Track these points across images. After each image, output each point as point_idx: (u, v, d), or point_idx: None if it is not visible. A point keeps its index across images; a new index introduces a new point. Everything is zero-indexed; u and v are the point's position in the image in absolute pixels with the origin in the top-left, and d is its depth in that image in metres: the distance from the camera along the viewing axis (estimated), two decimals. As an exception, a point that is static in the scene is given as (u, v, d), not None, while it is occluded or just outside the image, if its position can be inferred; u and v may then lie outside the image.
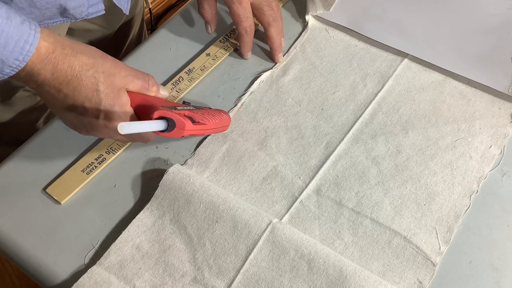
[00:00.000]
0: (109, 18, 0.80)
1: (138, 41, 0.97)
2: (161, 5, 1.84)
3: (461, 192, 0.58)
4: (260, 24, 0.70)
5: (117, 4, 0.77)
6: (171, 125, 0.51)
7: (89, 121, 0.55)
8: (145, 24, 1.00)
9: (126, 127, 0.49)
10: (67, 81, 0.52)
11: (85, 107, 0.54)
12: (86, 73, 0.53)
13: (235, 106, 0.66)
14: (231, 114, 0.65)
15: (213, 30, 0.71)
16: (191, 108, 0.58)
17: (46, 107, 0.86)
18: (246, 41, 0.69)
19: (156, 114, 0.51)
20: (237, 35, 0.71)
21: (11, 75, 0.50)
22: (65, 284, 0.54)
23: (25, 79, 0.52)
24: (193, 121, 0.54)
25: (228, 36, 0.72)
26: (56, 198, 0.58)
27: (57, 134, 0.64)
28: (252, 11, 0.67)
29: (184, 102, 0.61)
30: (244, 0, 0.66)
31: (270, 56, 0.70)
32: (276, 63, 0.70)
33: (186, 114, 0.55)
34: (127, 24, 0.90)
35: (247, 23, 0.67)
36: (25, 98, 0.81)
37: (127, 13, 0.83)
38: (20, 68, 0.50)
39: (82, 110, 0.54)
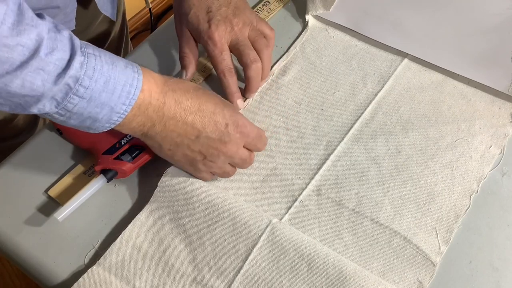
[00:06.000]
0: (80, 14, 0.75)
1: (120, 40, 0.94)
2: (161, 5, 1.85)
3: (461, 192, 0.58)
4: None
5: (104, 13, 0.76)
6: (111, 176, 0.58)
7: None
8: (127, 23, 0.98)
9: (66, 210, 0.56)
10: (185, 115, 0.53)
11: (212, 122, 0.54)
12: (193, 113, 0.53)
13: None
14: None
15: (188, 77, 0.64)
16: None
17: None
18: (226, 84, 0.63)
19: (97, 168, 0.58)
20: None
21: (118, 123, 0.50)
22: (65, 284, 0.54)
23: (130, 126, 0.51)
24: (137, 149, 0.58)
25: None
26: (58, 201, 0.58)
27: (57, 135, 0.64)
28: (232, 51, 0.63)
29: None
30: (219, 40, 0.62)
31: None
32: (275, 63, 0.70)
33: (131, 145, 0.58)
34: (106, 23, 0.87)
35: (223, 65, 0.62)
36: None
37: (115, 19, 0.82)
38: (126, 114, 0.49)
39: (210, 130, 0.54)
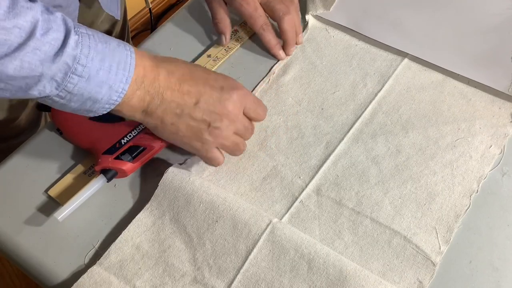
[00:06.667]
0: (82, 13, 0.76)
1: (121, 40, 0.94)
2: (161, 5, 1.85)
3: (461, 192, 0.58)
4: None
5: (109, 12, 0.76)
6: (111, 176, 0.58)
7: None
8: (128, 23, 0.98)
9: (66, 210, 0.55)
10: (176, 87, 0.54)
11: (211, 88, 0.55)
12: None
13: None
14: None
15: (227, 41, 0.71)
16: (140, 129, 0.59)
17: (26, 103, 0.82)
18: (267, 39, 0.68)
19: (97, 168, 0.58)
20: (238, 35, 0.71)
21: (117, 102, 0.50)
22: (65, 284, 0.54)
23: (130, 103, 0.52)
24: (138, 149, 0.58)
25: (230, 36, 0.72)
26: (58, 200, 0.58)
27: (57, 135, 0.64)
28: (264, 10, 0.68)
29: None
30: (251, 0, 0.67)
31: (271, 53, 0.70)
32: (276, 62, 0.70)
33: (131, 145, 0.58)
34: (108, 23, 0.87)
35: (261, 21, 0.67)
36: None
37: (119, 19, 0.82)
38: (124, 93, 0.50)
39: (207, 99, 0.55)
